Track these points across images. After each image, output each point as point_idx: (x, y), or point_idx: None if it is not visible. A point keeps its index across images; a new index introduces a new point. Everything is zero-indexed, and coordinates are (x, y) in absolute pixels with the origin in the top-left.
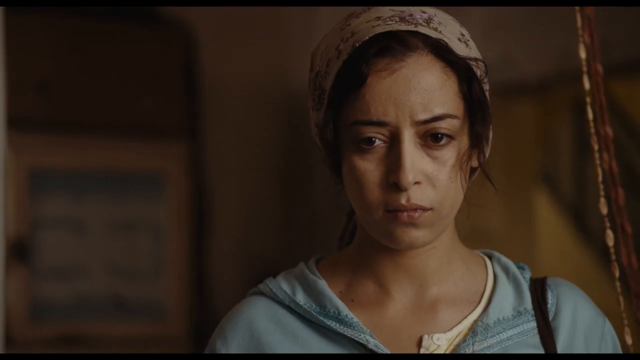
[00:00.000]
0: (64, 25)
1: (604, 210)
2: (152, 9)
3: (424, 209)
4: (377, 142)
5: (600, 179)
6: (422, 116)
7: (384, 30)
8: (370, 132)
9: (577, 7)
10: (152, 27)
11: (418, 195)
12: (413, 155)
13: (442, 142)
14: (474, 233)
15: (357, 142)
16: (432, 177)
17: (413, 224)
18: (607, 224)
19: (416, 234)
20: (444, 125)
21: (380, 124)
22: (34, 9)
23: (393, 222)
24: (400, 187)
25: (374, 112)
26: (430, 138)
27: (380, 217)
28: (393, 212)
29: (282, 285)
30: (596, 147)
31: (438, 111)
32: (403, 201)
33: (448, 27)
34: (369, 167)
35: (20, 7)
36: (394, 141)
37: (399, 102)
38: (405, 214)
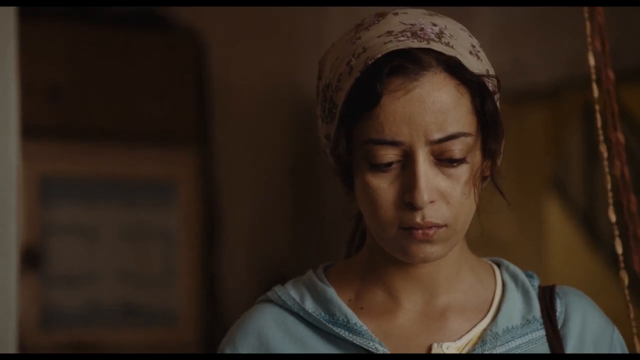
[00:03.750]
0: (74, 32)
1: (613, 218)
2: (162, 16)
3: (439, 226)
4: (391, 161)
5: (609, 186)
6: (437, 136)
7: (396, 48)
8: (384, 152)
9: (586, 14)
10: (162, 34)
11: (433, 213)
12: (428, 174)
13: (456, 163)
14: (484, 239)
15: (370, 161)
16: (447, 195)
17: (428, 240)
18: (616, 232)
19: (430, 250)
20: (458, 145)
21: (394, 143)
22: (45, 17)
23: (408, 238)
24: (416, 206)
25: (388, 132)
26: (446, 161)
27: (395, 234)
28: (407, 229)
29: (290, 292)
30: (605, 154)
31: (452, 130)
32: (418, 220)
33: (459, 40)
34: (383, 185)
35: (28, 7)
36: (408, 160)
37: (414, 123)
38: (420, 231)
